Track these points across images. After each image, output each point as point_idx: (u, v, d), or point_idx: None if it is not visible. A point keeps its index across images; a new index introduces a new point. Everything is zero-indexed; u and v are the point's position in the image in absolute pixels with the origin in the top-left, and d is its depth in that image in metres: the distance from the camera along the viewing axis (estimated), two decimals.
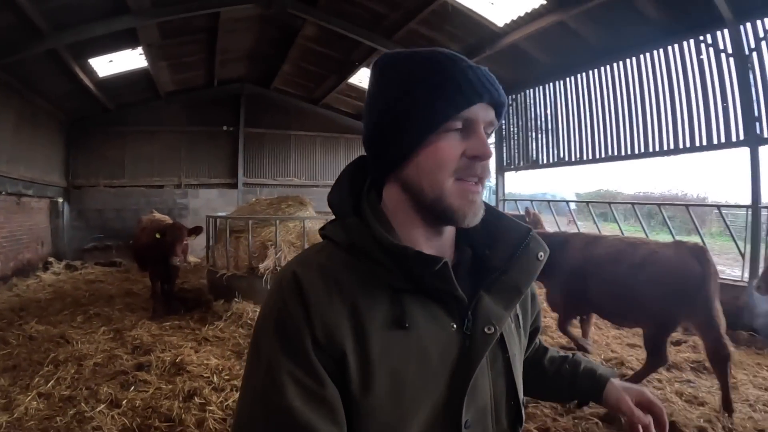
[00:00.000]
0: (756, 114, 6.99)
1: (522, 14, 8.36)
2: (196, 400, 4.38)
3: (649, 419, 1.05)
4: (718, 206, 9.58)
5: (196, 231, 7.46)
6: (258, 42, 11.86)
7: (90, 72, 10.31)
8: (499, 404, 0.97)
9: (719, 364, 4.13)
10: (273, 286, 0.91)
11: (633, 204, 10.38)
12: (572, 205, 15.45)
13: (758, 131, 6.97)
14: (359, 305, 0.86)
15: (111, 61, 10.15)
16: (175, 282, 7.90)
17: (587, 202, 11.20)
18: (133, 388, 4.65)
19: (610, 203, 11.37)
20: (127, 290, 9.14)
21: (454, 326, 0.92)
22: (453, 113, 0.88)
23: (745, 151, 7.10)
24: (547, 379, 1.24)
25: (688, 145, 7.93)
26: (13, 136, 9.69)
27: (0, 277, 9.29)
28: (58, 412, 4.16)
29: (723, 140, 7.42)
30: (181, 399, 4.40)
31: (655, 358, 4.52)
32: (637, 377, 4.61)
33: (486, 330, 0.91)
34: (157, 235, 7.13)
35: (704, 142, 7.67)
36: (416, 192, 0.93)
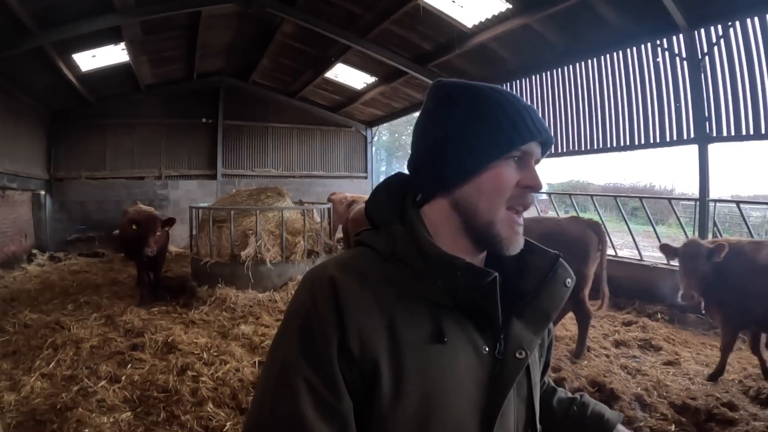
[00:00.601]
0: (706, 114, 7.57)
1: (489, 16, 8.81)
2: (189, 373, 4.80)
3: None
4: (669, 199, 10.28)
5: (169, 222, 7.73)
6: (237, 37, 12.08)
7: (73, 67, 10.45)
8: (519, 430, 0.97)
9: (584, 320, 5.38)
10: (304, 285, 0.91)
11: (591, 196, 10.98)
12: (544, 196, 16.08)
13: (707, 130, 7.56)
14: (397, 317, 0.85)
15: (94, 56, 10.31)
16: (160, 270, 8.24)
17: (549, 193, 11.80)
18: (130, 365, 5.03)
19: (570, 195, 11.99)
20: (113, 279, 9.39)
21: (487, 349, 0.92)
22: (518, 144, 0.93)
23: (694, 148, 7.70)
24: (556, 421, 1.22)
25: (643, 141, 8.52)
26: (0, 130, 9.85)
27: None
28: (62, 389, 4.46)
29: (675, 138, 8.02)
30: (175, 373, 4.81)
31: (581, 313, 5.42)
32: (581, 339, 5.33)
33: (518, 355, 0.92)
34: (133, 227, 7.44)
35: (658, 139, 8.27)
36: (470, 213, 0.94)
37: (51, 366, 4.98)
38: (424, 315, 0.87)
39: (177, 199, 13.87)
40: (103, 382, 4.58)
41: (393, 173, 1.08)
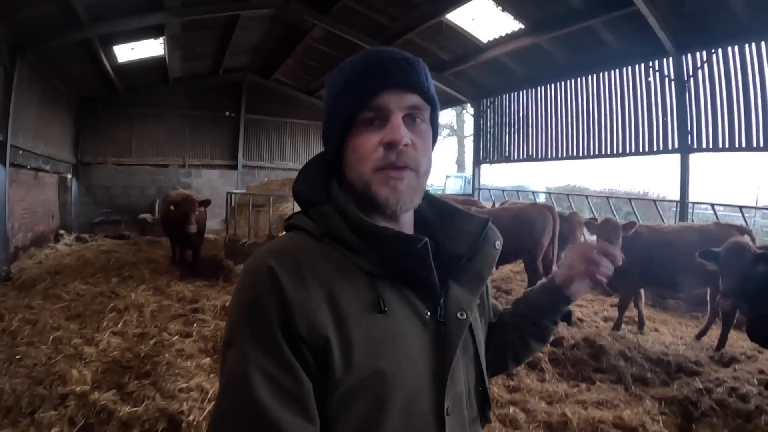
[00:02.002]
0: (688, 128, 8.68)
1: (503, 34, 9.94)
2: None
3: (601, 249, 1.11)
4: (655, 201, 11.38)
5: (205, 203, 8.35)
6: (266, 37, 12.84)
7: (111, 57, 11.12)
8: (471, 390, 0.98)
9: (534, 279, 6.93)
10: (244, 278, 0.89)
11: (587, 196, 12.06)
12: (542, 197, 17.07)
13: (689, 142, 8.67)
14: (337, 292, 0.85)
15: (132, 48, 11.01)
16: (200, 249, 8.81)
17: (548, 193, 12.84)
18: (195, 324, 5.65)
19: (568, 195, 13.05)
20: (146, 258, 9.86)
21: (428, 313, 0.92)
22: (359, 105, 0.90)
23: (677, 157, 8.81)
24: (518, 327, 1.20)
25: (633, 150, 9.67)
26: (37, 115, 10.37)
27: (21, 247, 9.87)
28: (137, 343, 4.95)
29: (661, 147, 9.14)
30: None
31: (534, 274, 7.01)
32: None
33: (459, 316, 0.93)
34: (172, 207, 8.06)
35: (646, 149, 9.40)
36: (352, 185, 0.95)
37: (119, 326, 5.49)
38: (362, 287, 0.87)
39: (199, 187, 14.40)
40: (176, 337, 5.17)
41: (319, 152, 1.06)
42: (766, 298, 4.09)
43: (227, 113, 15.86)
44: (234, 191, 10.04)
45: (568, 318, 1.20)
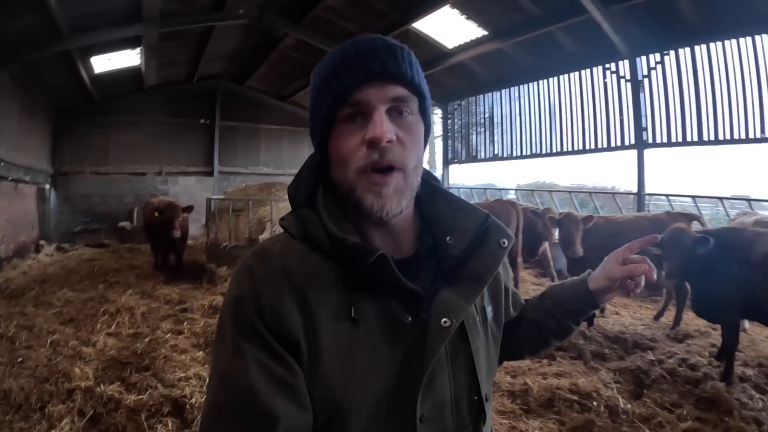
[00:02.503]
0: (643, 125, 9.34)
1: (468, 40, 10.51)
2: None
3: (643, 266, 1.04)
4: (613, 193, 12.03)
5: (188, 209, 8.64)
6: (240, 45, 13.11)
7: (89, 67, 11.25)
8: (461, 399, 0.93)
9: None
10: (234, 273, 0.91)
11: (551, 191, 12.67)
12: (512, 194, 17.63)
13: (644, 138, 9.32)
14: (308, 295, 0.84)
15: (110, 59, 11.15)
16: (182, 253, 9.09)
17: (515, 190, 13.40)
18: (185, 323, 5.97)
19: (533, 191, 13.63)
20: (129, 264, 9.99)
21: (409, 319, 0.89)
22: (336, 102, 0.87)
23: (634, 153, 9.47)
24: (540, 323, 1.18)
25: (592, 146, 10.35)
26: (18, 126, 10.42)
27: (4, 258, 9.86)
28: (132, 342, 5.22)
29: (619, 144, 9.80)
30: None
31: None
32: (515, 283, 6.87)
33: (443, 323, 0.87)
34: (156, 214, 8.29)
35: (605, 145, 10.06)
36: (337, 186, 0.93)
37: (113, 327, 5.74)
38: (336, 294, 0.86)
39: (176, 194, 14.38)
40: (168, 335, 5.45)
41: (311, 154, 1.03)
42: (705, 278, 4.49)
43: (202, 120, 16.04)
44: (213, 197, 10.32)
45: (590, 319, 1.19)
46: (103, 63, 11.33)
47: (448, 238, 0.97)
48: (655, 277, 1.05)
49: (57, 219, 13.80)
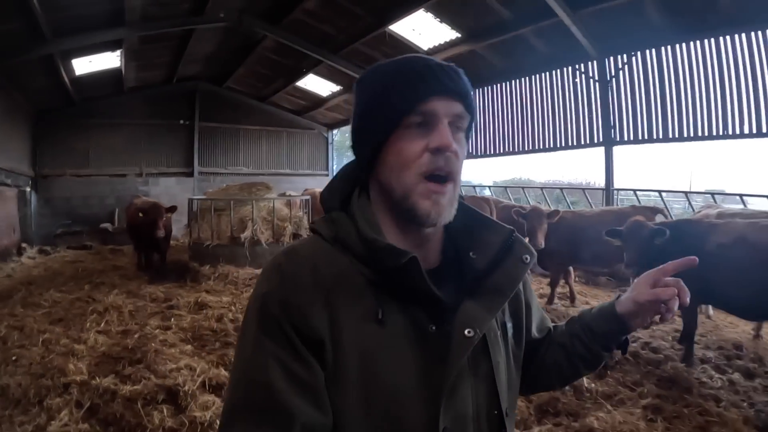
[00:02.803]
0: (612, 123, 9.75)
1: (442, 42, 10.89)
2: (225, 319, 6.10)
3: (671, 289, 0.99)
4: (583, 189, 12.49)
5: (172, 209, 8.80)
6: (219, 47, 13.27)
7: (70, 70, 11.30)
8: (481, 413, 0.94)
9: None
10: (263, 271, 0.93)
11: (523, 188, 13.15)
12: (487, 191, 18.04)
13: (612, 135, 9.74)
14: (335, 295, 0.86)
15: (90, 61, 11.24)
16: (166, 252, 9.26)
17: (489, 187, 13.82)
18: (172, 319, 6.17)
19: (506, 187, 14.08)
20: (113, 265, 10.10)
21: (434, 328, 0.90)
22: (407, 108, 0.89)
23: (601, 150, 9.91)
24: (568, 349, 1.14)
25: (563, 144, 10.79)
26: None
27: None
28: (122, 339, 5.37)
29: (588, 141, 10.21)
30: (214, 320, 6.03)
31: None
32: None
33: (467, 333, 0.88)
34: (140, 214, 8.45)
35: (575, 143, 10.49)
36: (389, 191, 0.93)
37: (102, 325, 5.88)
38: (364, 295, 0.88)
39: (157, 195, 14.25)
40: (157, 330, 5.65)
41: (349, 161, 1.06)
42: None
43: (182, 121, 16.15)
44: (195, 197, 10.52)
45: (624, 346, 1.14)
46: (83, 65, 11.39)
47: (471, 253, 1.00)
48: (687, 300, 1.00)
49: (38, 222, 13.76)
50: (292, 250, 0.94)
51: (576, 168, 51.95)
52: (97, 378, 4.25)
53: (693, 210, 9.59)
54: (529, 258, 0.99)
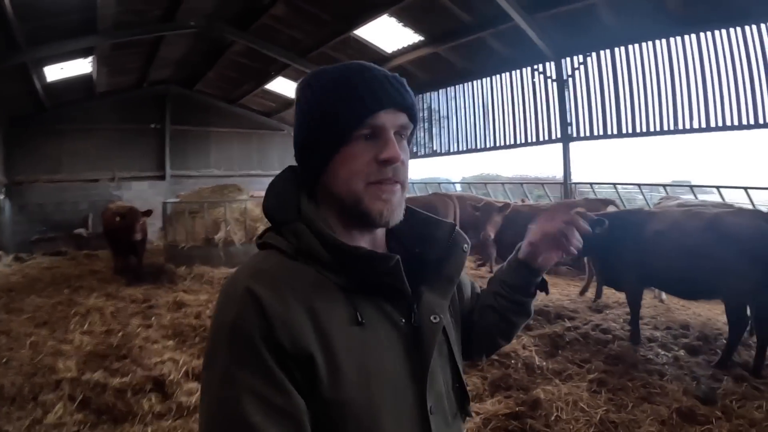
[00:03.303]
0: (568, 121, 10.35)
1: (405, 45, 11.45)
2: (204, 317, 6.33)
3: (557, 222, 1.09)
4: (542, 183, 13.08)
5: (147, 213, 9.01)
6: (189, 52, 13.48)
7: (42, 77, 11.41)
8: (449, 388, 1.01)
9: None
10: (223, 301, 0.88)
11: (485, 183, 13.68)
12: (458, 187, 18.50)
13: (569, 132, 10.34)
14: (316, 307, 0.85)
15: (62, 68, 11.35)
16: (143, 255, 9.42)
17: (458, 183, 14.30)
18: (153, 318, 6.41)
19: (469, 184, 14.66)
20: (89, 270, 10.18)
21: (403, 320, 0.94)
22: (357, 123, 0.91)
23: (559, 146, 10.50)
24: (495, 307, 1.20)
25: (522, 141, 11.40)
26: None
27: None
28: (106, 338, 5.60)
29: (546, 138, 10.82)
30: (193, 317, 6.29)
31: None
32: None
33: (432, 320, 0.95)
34: (117, 219, 8.64)
35: (533, 139, 11.12)
36: (338, 199, 0.95)
37: (86, 327, 6.07)
38: (339, 302, 0.88)
39: (130, 200, 14.09)
40: (139, 329, 5.91)
41: (285, 168, 1.04)
42: (607, 253, 5.24)
43: (153, 125, 16.26)
44: (168, 201, 10.77)
45: (543, 287, 1.20)
46: (55, 72, 11.50)
47: (417, 248, 1.05)
48: (584, 227, 1.09)
49: (12, 229, 13.77)
50: (255, 269, 0.91)
51: (543, 162, 53.13)
52: (87, 373, 4.50)
53: (647, 202, 10.22)
54: (467, 246, 1.08)
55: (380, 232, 1.04)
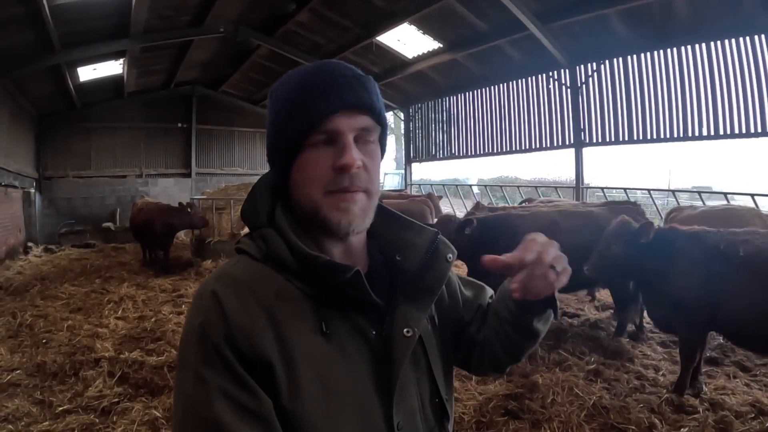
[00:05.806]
0: (582, 126, 10.60)
1: (425, 51, 11.81)
2: None
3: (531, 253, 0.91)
4: (556, 186, 13.33)
5: (189, 206, 9.59)
6: (215, 55, 13.98)
7: (75, 78, 11.89)
8: (425, 403, 0.96)
9: None
10: (193, 303, 0.87)
11: (501, 186, 14.00)
12: (476, 189, 18.74)
13: (582, 138, 10.59)
14: (278, 312, 0.84)
15: (95, 69, 11.86)
16: (170, 249, 9.77)
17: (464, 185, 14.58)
18: (183, 306, 6.78)
19: (486, 186, 14.91)
20: (118, 262, 10.66)
21: (374, 332, 0.91)
22: (308, 129, 0.87)
23: (572, 151, 10.81)
24: (500, 328, 1.07)
25: (537, 146, 11.68)
26: (7, 134, 10.91)
27: None
28: (139, 323, 5.95)
29: (560, 143, 11.10)
30: None
31: None
32: None
33: (405, 333, 0.91)
34: (189, 209, 9.31)
35: (547, 144, 11.40)
36: (299, 204, 0.92)
37: (119, 313, 6.48)
38: (304, 310, 0.86)
39: (156, 195, 14.80)
40: (171, 315, 6.29)
41: (266, 172, 1.02)
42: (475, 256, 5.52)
43: (179, 124, 16.74)
44: (196, 197, 11.18)
45: (554, 310, 1.03)
46: (88, 72, 11.97)
47: (397, 255, 1.00)
48: (554, 252, 0.93)
49: (42, 222, 14.21)
50: (223, 274, 0.90)
51: (562, 166, 53.38)
52: (125, 353, 4.87)
53: (655, 205, 10.43)
54: (451, 256, 1.01)
55: (357, 239, 0.98)
